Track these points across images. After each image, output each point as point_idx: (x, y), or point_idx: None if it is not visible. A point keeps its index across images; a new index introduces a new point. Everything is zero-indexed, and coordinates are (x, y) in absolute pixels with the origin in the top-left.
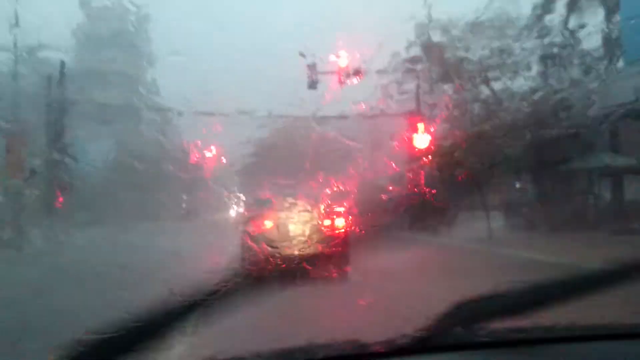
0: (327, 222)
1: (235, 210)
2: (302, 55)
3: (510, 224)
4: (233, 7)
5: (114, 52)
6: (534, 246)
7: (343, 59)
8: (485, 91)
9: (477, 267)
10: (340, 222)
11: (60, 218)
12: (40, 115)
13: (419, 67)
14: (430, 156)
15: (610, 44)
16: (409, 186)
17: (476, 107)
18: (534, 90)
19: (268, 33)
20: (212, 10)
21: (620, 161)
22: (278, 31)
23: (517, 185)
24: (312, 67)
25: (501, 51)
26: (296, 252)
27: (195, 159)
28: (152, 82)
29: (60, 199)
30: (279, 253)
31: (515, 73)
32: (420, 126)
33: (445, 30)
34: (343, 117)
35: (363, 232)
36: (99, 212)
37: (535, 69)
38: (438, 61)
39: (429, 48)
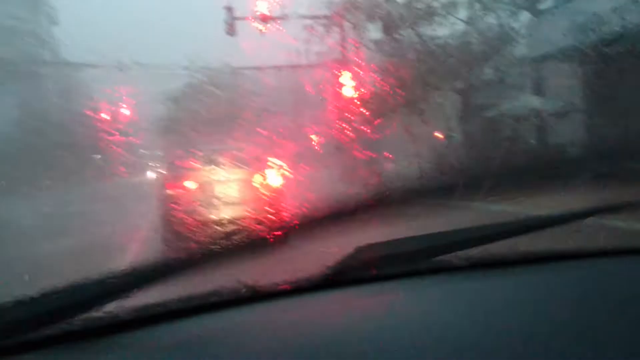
0: (258, 179)
1: (154, 172)
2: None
3: (439, 171)
4: None
5: (9, 5)
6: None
7: (263, 3)
8: (412, 36)
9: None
10: (273, 179)
11: None
12: None
13: (344, 12)
14: (357, 105)
15: None
16: (336, 137)
17: (403, 53)
18: (461, 34)
19: None
20: None
21: (545, 104)
22: None
23: (447, 133)
24: (229, 10)
25: None
26: (224, 216)
27: (108, 117)
28: (54, 35)
29: None
30: (204, 218)
31: (442, 16)
32: (346, 74)
33: None
34: (264, 68)
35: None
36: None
37: (462, 11)
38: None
39: None
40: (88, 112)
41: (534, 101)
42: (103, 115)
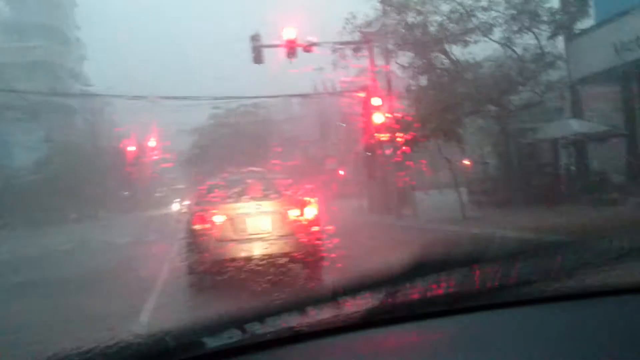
0: (294, 213)
1: (180, 205)
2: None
3: (478, 201)
4: None
5: (38, 41)
6: (514, 224)
7: (291, 31)
8: (444, 59)
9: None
10: (310, 212)
11: None
12: None
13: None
14: (389, 133)
15: (577, 4)
16: (369, 167)
17: (435, 77)
18: (497, 57)
19: (209, 10)
20: None
21: (586, 127)
22: (218, 7)
23: (483, 160)
24: (256, 38)
25: (462, 14)
26: (258, 252)
27: (135, 150)
28: (83, 71)
29: None
30: (236, 255)
31: (477, 37)
32: (376, 100)
33: None
34: (292, 95)
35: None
36: (24, 215)
37: (498, 33)
38: (394, 28)
39: (384, 12)
40: (115, 145)
41: (574, 125)
42: (129, 148)
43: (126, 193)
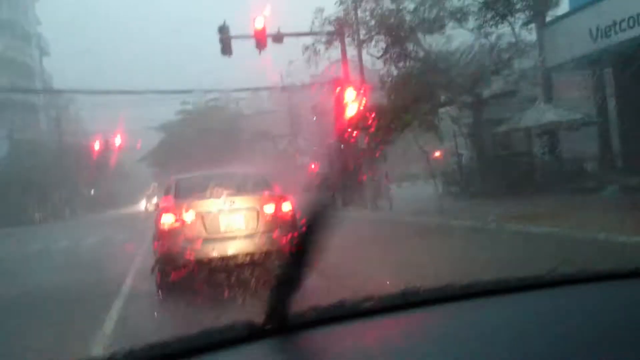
0: (269, 209)
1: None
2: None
3: (453, 192)
4: None
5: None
6: (493, 214)
7: (260, 21)
8: (418, 49)
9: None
10: (286, 207)
11: None
12: None
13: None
14: (361, 124)
15: None
16: (341, 159)
17: (409, 67)
18: (470, 46)
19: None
20: None
21: (559, 115)
22: None
23: (458, 150)
24: (224, 29)
25: (435, 1)
26: (232, 251)
27: (100, 148)
28: (45, 67)
29: None
30: (208, 255)
31: (451, 25)
32: (349, 92)
33: None
34: (262, 89)
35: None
36: None
37: (471, 21)
38: (366, 16)
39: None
40: (81, 143)
41: (548, 113)
42: (95, 145)
43: (92, 191)
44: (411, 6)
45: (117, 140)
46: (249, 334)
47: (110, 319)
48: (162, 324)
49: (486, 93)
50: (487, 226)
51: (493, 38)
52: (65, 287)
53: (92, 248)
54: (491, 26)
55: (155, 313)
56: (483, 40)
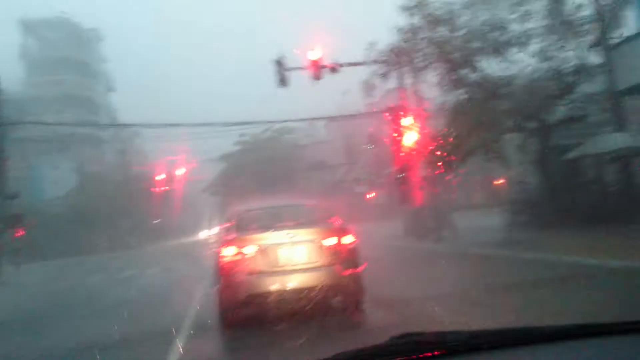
0: (330, 242)
1: (209, 232)
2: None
3: (519, 222)
4: (189, 9)
5: (65, 74)
6: (565, 246)
7: (315, 52)
8: (478, 75)
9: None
10: (347, 240)
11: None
12: None
13: (401, 54)
14: (421, 152)
15: (615, 11)
16: (402, 189)
17: (469, 93)
18: (532, 70)
19: (228, 36)
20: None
21: (632, 141)
22: (239, 32)
23: (523, 178)
24: (280, 61)
25: (495, 27)
26: (292, 286)
27: (164, 179)
28: (110, 102)
29: (20, 233)
30: (268, 289)
31: (512, 51)
32: (407, 120)
33: (431, 8)
34: (319, 119)
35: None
36: (55, 246)
37: (535, 45)
38: (425, 43)
39: (414, 30)
40: (145, 174)
41: (619, 139)
42: (158, 177)
43: (156, 221)
44: (470, 32)
45: (180, 171)
46: None
47: (173, 351)
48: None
49: (552, 119)
50: (562, 259)
51: (557, 61)
52: (129, 319)
53: (156, 278)
54: (556, 49)
55: (216, 345)
56: (547, 64)
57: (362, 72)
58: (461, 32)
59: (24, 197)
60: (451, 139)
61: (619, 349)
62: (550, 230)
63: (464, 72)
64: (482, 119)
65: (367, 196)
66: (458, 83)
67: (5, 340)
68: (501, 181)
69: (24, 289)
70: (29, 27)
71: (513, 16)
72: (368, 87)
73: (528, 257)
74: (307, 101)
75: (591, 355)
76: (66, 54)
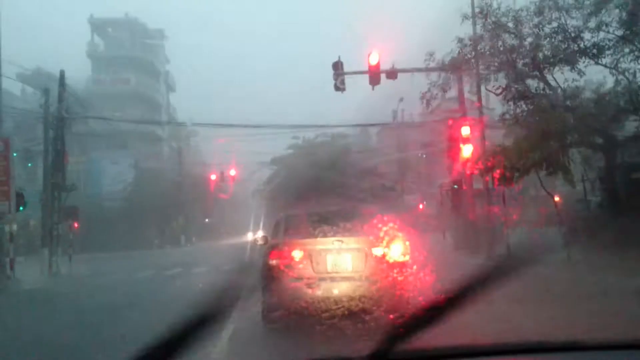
0: (379, 251)
1: (257, 234)
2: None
3: (579, 241)
4: (250, 15)
5: (130, 73)
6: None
7: (373, 57)
8: (544, 85)
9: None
10: (397, 250)
11: (62, 247)
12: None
13: (462, 62)
14: (479, 164)
15: None
16: (455, 201)
17: (533, 104)
18: (602, 82)
19: (289, 39)
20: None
21: None
22: (298, 34)
23: (587, 195)
24: (338, 65)
25: (566, 36)
26: (337, 293)
27: (216, 179)
28: (170, 102)
29: (75, 226)
30: (314, 295)
31: (584, 61)
32: (466, 130)
33: (495, 15)
34: (376, 124)
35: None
36: (108, 239)
37: (608, 57)
38: (489, 51)
39: (477, 38)
40: (197, 172)
41: None
42: (211, 176)
43: (207, 220)
44: (538, 41)
45: (232, 172)
46: None
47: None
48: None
49: (621, 135)
50: (629, 285)
51: (630, 74)
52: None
53: (203, 276)
54: (630, 62)
55: (260, 342)
56: (619, 77)
57: (419, 80)
58: (528, 40)
59: (83, 190)
60: (511, 150)
61: None
62: (610, 252)
63: (530, 82)
64: (549, 130)
65: (418, 206)
66: (523, 93)
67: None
68: (560, 198)
69: (77, 280)
70: (96, 26)
71: (586, 25)
72: (426, 97)
73: (591, 279)
74: (361, 107)
75: None
76: (131, 54)
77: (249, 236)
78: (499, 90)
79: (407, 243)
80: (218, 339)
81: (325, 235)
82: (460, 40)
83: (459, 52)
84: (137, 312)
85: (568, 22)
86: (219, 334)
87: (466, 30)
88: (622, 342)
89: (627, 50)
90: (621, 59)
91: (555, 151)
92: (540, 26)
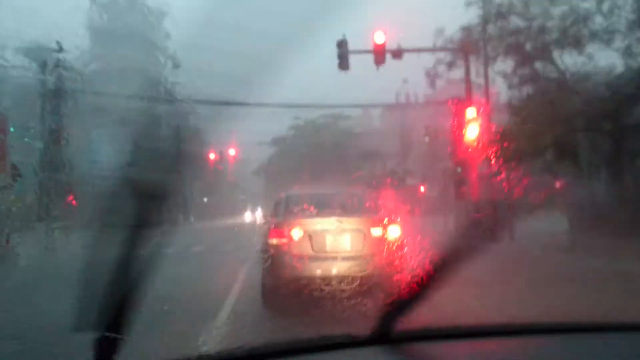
0: (376, 231)
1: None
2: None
3: (582, 227)
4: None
5: (130, 49)
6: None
7: (379, 36)
8: (551, 68)
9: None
10: (394, 231)
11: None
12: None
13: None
14: (486, 147)
15: None
16: (458, 184)
17: (543, 87)
18: (612, 67)
19: (290, 14)
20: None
21: None
22: (302, 8)
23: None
24: (342, 43)
25: (576, 19)
26: (336, 272)
27: (215, 158)
28: (169, 78)
29: (71, 201)
30: (313, 274)
31: (594, 45)
32: (471, 112)
33: None
34: (379, 105)
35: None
36: (104, 217)
37: (618, 40)
38: (495, 33)
39: (484, 18)
40: (196, 151)
41: None
42: (210, 155)
43: (205, 199)
44: (547, 23)
45: (231, 152)
46: (351, 342)
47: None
48: (266, 329)
49: (629, 120)
50: (633, 270)
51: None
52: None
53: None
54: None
55: (258, 320)
56: (630, 62)
57: (424, 61)
58: (537, 23)
59: (79, 167)
60: (519, 133)
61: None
62: (614, 238)
63: (538, 64)
64: (558, 115)
65: (419, 189)
66: (531, 76)
67: None
68: (566, 182)
69: (73, 256)
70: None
71: (597, 8)
72: (431, 76)
73: (595, 264)
74: (365, 87)
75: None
76: (131, 29)
77: (250, 216)
78: (505, 73)
79: (402, 225)
80: (216, 319)
81: (324, 216)
82: (465, 28)
83: (467, 34)
84: None
85: (577, 4)
86: (218, 313)
87: (475, 12)
88: (619, 324)
89: (639, 34)
90: (632, 44)
91: (564, 135)
92: (549, 8)
